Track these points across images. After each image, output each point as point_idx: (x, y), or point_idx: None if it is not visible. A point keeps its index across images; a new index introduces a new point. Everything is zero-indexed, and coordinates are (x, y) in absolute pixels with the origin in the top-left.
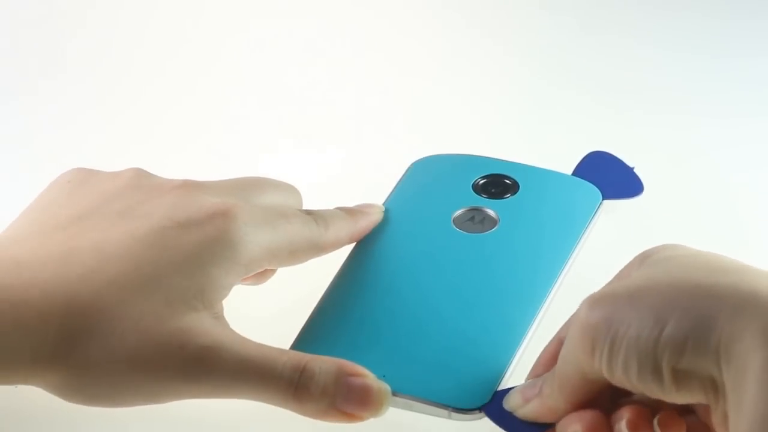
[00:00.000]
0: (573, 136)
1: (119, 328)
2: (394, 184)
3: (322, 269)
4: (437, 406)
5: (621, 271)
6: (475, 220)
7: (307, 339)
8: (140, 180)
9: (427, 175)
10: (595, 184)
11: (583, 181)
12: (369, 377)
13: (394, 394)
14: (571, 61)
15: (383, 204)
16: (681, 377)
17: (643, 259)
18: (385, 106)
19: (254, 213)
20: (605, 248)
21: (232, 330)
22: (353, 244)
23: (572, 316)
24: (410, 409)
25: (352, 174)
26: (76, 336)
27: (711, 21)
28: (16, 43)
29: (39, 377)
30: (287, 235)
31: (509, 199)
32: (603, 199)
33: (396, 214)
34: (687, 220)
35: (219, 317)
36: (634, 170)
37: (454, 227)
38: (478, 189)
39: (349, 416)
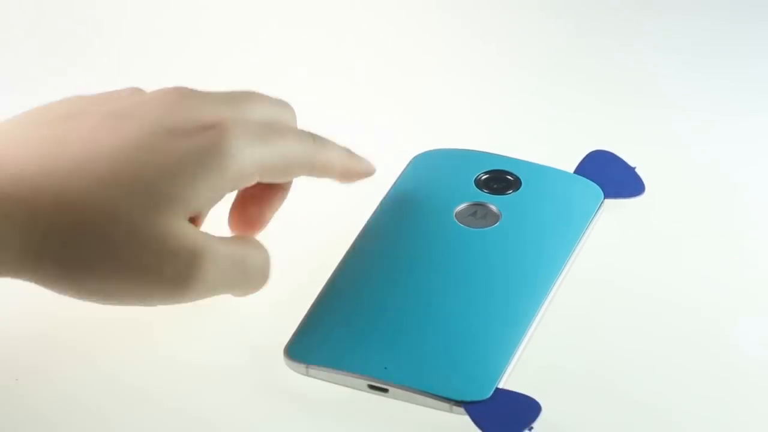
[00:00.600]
0: (575, 134)
1: (110, 226)
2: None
3: (322, 261)
4: (438, 399)
5: None
6: (477, 216)
7: (307, 331)
8: (134, 90)
9: (429, 170)
10: (596, 183)
11: (584, 179)
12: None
13: (397, 386)
14: (574, 60)
15: (385, 197)
16: None
17: None
18: (387, 104)
19: (247, 128)
20: (607, 245)
21: (211, 234)
22: (344, 249)
23: None
24: (412, 401)
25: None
26: (67, 230)
27: (712, 22)
28: (17, 44)
29: (29, 270)
30: (280, 151)
31: (511, 195)
32: (604, 198)
33: (397, 207)
34: (689, 217)
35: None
36: (636, 170)
37: (457, 222)
38: (480, 184)
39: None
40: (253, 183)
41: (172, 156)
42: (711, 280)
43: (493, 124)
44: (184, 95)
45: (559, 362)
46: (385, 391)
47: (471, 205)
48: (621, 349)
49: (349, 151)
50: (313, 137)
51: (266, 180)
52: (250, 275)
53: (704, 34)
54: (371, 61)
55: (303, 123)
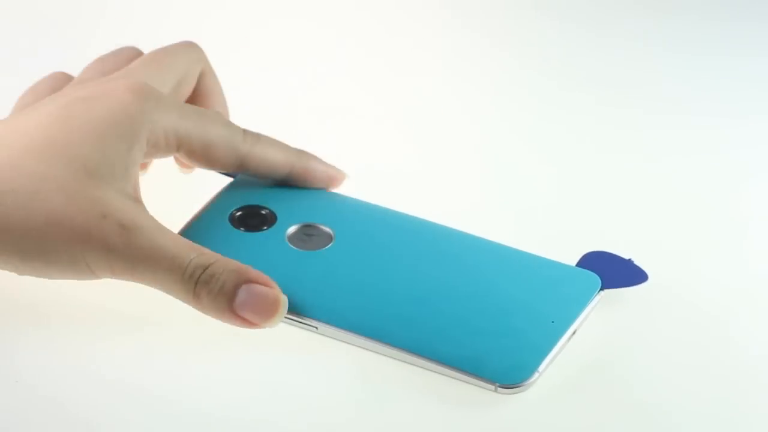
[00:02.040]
0: (574, 136)
1: (43, 188)
2: (394, 184)
3: None
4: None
5: None
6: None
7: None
8: (61, 91)
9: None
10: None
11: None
12: (272, 286)
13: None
14: (574, 61)
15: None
16: None
17: None
18: (384, 106)
19: (163, 97)
20: (608, 245)
21: (151, 216)
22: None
23: None
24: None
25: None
26: (3, 196)
27: (713, 23)
28: (19, 45)
29: None
30: (198, 125)
31: None
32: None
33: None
34: (689, 218)
35: (137, 200)
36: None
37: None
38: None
39: (245, 321)
40: (172, 152)
41: (89, 121)
42: (713, 280)
43: (493, 127)
44: (108, 78)
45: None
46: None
47: None
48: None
49: (301, 151)
50: (246, 132)
51: (188, 155)
52: (175, 276)
53: (706, 36)
54: (370, 67)
55: (300, 128)
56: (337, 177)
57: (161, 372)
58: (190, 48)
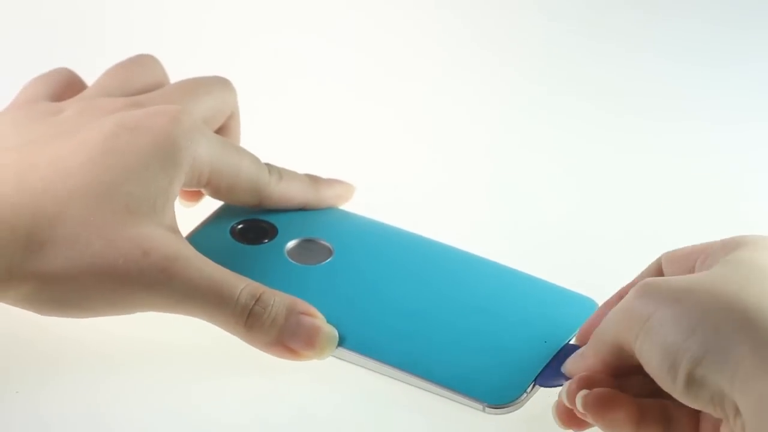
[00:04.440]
0: (572, 140)
1: (84, 234)
2: (393, 191)
3: None
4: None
5: (705, 245)
6: None
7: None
8: (83, 100)
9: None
10: None
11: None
12: (319, 318)
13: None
14: (571, 67)
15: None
16: (692, 383)
17: (727, 250)
18: (385, 120)
19: (205, 129)
20: (610, 247)
21: (191, 246)
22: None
23: (629, 285)
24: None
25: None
26: (45, 246)
27: (712, 27)
28: (21, 45)
29: (13, 290)
30: (233, 159)
31: None
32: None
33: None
34: (688, 224)
35: (176, 232)
36: None
37: None
38: None
39: (294, 353)
40: (201, 184)
41: (135, 154)
42: None
43: (494, 143)
44: (136, 103)
45: None
46: None
47: None
48: None
49: (314, 181)
50: (270, 168)
51: (210, 187)
52: (226, 307)
53: (705, 41)
54: (369, 72)
55: (299, 134)
56: (344, 196)
57: (162, 386)
58: (225, 86)
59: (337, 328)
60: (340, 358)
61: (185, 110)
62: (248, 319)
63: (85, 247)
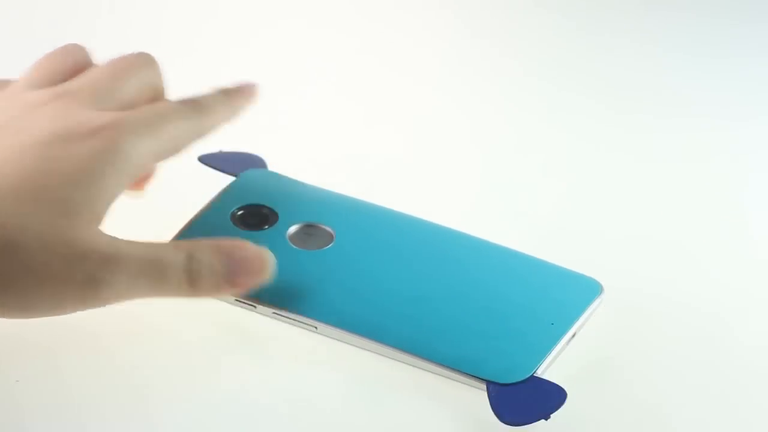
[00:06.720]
0: (576, 137)
1: (22, 240)
2: (396, 184)
3: None
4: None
5: None
6: None
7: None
8: (11, 95)
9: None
10: None
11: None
12: (246, 246)
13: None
14: (573, 63)
15: None
16: None
17: None
18: (386, 106)
19: (138, 124)
20: (611, 248)
21: (119, 238)
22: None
23: None
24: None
25: (351, 176)
26: None
27: (715, 22)
28: (22, 45)
29: None
30: (170, 135)
31: None
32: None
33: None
34: (688, 222)
35: (103, 228)
36: None
37: None
38: None
39: (244, 285)
40: (147, 171)
41: (72, 162)
42: (717, 283)
43: (496, 128)
44: (67, 100)
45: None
46: None
47: None
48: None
49: (229, 95)
50: (194, 105)
51: (158, 164)
52: (169, 277)
53: (707, 36)
54: (368, 68)
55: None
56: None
57: (159, 373)
58: (150, 63)
59: (341, 313)
60: (348, 343)
61: (123, 118)
62: (190, 280)
63: (24, 253)
